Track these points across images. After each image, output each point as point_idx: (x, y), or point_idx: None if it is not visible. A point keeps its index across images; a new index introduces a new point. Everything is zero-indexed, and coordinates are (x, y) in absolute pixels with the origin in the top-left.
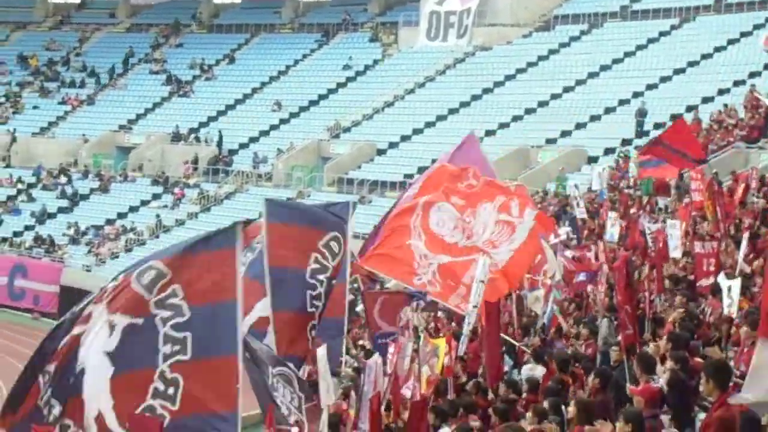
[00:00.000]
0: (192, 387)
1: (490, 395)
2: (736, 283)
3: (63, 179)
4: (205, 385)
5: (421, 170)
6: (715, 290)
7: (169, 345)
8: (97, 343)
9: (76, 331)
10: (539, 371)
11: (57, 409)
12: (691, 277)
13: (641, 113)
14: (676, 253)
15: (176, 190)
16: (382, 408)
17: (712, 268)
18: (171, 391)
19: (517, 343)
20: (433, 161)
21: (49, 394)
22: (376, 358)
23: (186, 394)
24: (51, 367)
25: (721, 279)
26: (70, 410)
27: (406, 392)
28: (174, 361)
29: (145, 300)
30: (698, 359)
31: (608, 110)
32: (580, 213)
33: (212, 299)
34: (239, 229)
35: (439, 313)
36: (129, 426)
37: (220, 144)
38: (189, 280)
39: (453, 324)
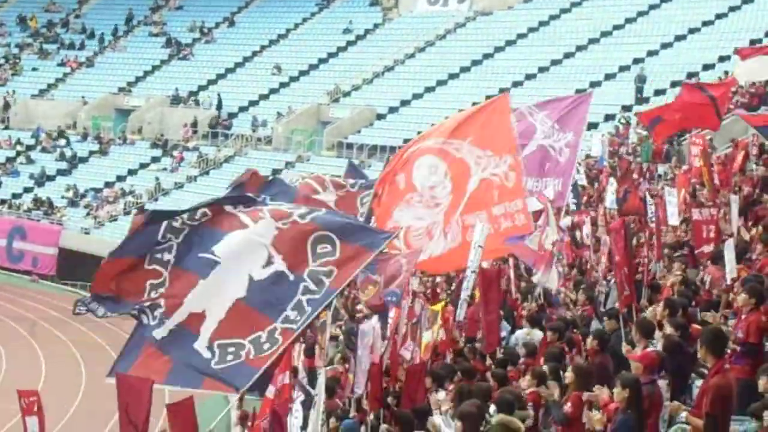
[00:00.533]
0: (276, 350)
1: (488, 361)
2: (730, 248)
3: (62, 141)
4: (277, 349)
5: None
6: (716, 258)
7: (295, 312)
8: (249, 259)
9: (242, 218)
10: (537, 335)
11: (167, 272)
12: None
13: (641, 79)
14: (673, 220)
15: (176, 153)
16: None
17: (712, 235)
18: (266, 346)
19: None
20: (432, 126)
21: (174, 242)
22: (373, 322)
23: (269, 354)
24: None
25: (727, 246)
26: (175, 281)
27: (405, 353)
28: (287, 327)
29: (307, 262)
30: (696, 326)
31: (608, 76)
32: (580, 179)
33: (335, 286)
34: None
35: (438, 278)
36: (117, 389)
37: (219, 108)
38: (344, 268)
39: (453, 288)
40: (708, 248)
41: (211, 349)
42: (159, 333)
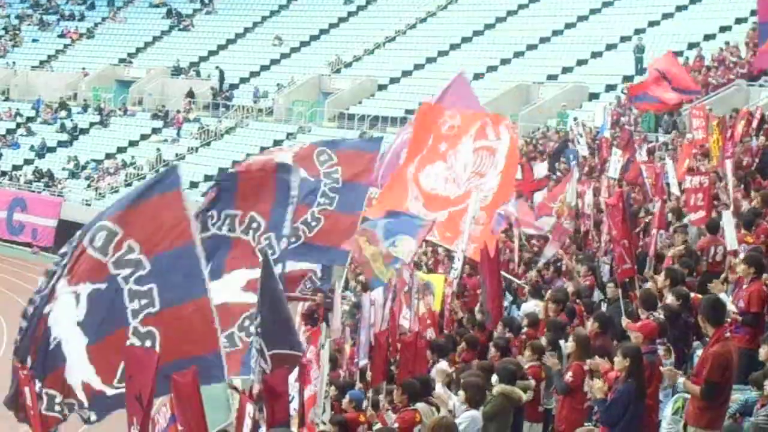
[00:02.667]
0: (169, 336)
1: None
2: (728, 217)
3: (62, 113)
4: (181, 331)
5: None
6: (710, 227)
7: (136, 301)
8: (66, 315)
9: (45, 310)
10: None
11: (38, 386)
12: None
13: (639, 50)
14: (675, 189)
15: (178, 117)
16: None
17: (700, 203)
18: (148, 344)
19: (516, 280)
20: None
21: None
22: (374, 293)
23: (165, 344)
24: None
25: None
26: (50, 382)
27: (404, 322)
28: (144, 315)
29: (103, 263)
30: (698, 295)
31: (609, 47)
32: (582, 150)
33: (169, 246)
34: (179, 171)
35: (439, 249)
36: (124, 360)
37: (221, 81)
38: (142, 232)
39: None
40: (695, 216)
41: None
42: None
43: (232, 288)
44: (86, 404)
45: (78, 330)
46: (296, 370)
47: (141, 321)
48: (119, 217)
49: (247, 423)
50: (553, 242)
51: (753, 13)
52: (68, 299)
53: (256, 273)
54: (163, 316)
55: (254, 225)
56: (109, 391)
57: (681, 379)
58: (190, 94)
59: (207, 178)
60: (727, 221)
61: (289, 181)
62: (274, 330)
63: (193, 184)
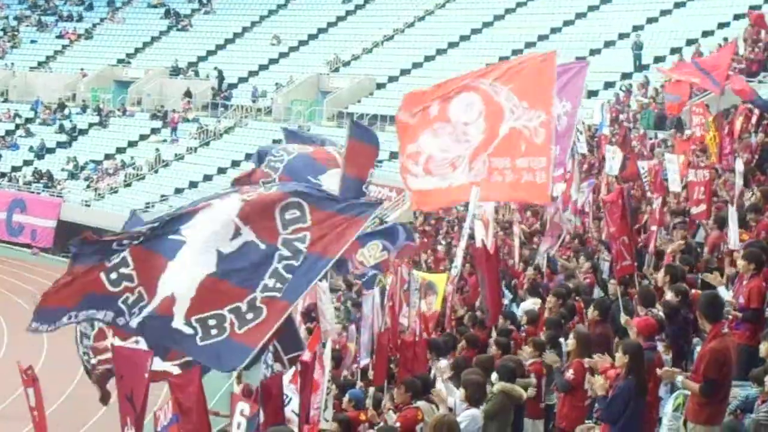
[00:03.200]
0: (266, 321)
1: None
2: (733, 215)
3: (61, 114)
4: (266, 323)
5: None
6: (720, 222)
7: (273, 280)
8: (215, 234)
9: (210, 201)
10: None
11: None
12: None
13: (637, 47)
14: (675, 186)
15: (173, 116)
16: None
17: (701, 197)
18: (250, 316)
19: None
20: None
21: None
22: (375, 292)
23: (257, 326)
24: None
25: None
26: (140, 264)
27: (403, 320)
28: (267, 295)
29: (278, 232)
30: (698, 291)
31: (607, 44)
32: (581, 147)
33: (321, 252)
34: (378, 206)
35: (438, 248)
36: (114, 361)
37: (220, 82)
38: (320, 234)
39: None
40: (696, 210)
41: (190, 324)
42: (134, 322)
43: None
44: (149, 307)
45: (213, 256)
46: (290, 372)
47: (263, 297)
48: (319, 214)
49: (240, 421)
50: (546, 237)
51: (753, 8)
52: (228, 226)
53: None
54: (275, 305)
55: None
56: (175, 322)
57: (680, 378)
58: (188, 94)
59: (206, 177)
60: (732, 217)
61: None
62: (288, 334)
63: (192, 184)
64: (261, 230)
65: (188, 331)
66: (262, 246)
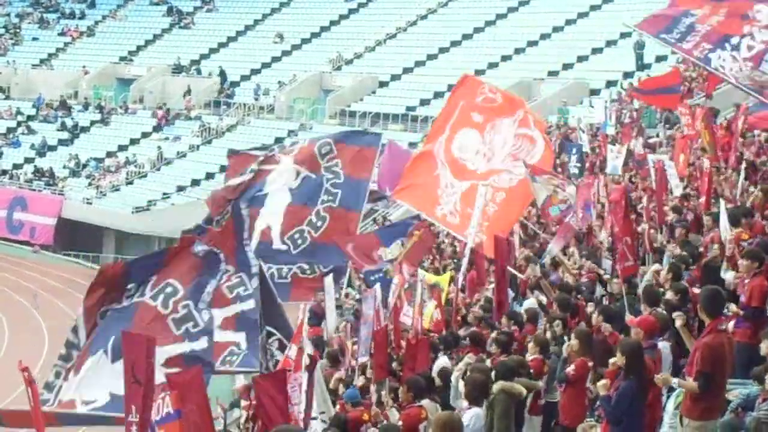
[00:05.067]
0: (332, 225)
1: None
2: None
3: (64, 111)
4: (338, 226)
5: (423, 102)
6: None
7: (326, 195)
8: (284, 179)
9: (265, 167)
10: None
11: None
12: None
13: (639, 46)
14: (677, 191)
15: (159, 113)
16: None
17: (705, 187)
18: (319, 223)
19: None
20: (436, 94)
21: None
22: (376, 290)
23: (326, 228)
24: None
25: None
26: (250, 216)
27: (406, 320)
28: (326, 206)
29: (319, 163)
30: (696, 290)
31: (609, 43)
32: (583, 146)
33: (357, 176)
34: (380, 138)
35: (442, 246)
36: (124, 346)
37: (223, 81)
38: (346, 160)
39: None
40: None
41: (284, 242)
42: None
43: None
44: (252, 244)
45: (287, 193)
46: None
47: (323, 207)
48: (340, 146)
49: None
50: (558, 239)
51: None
52: (290, 171)
53: (226, 312)
54: (335, 211)
55: (168, 290)
56: (275, 244)
57: (675, 381)
58: (189, 92)
59: (208, 175)
60: (722, 211)
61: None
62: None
63: (195, 182)
64: (310, 166)
65: (284, 247)
66: (313, 176)
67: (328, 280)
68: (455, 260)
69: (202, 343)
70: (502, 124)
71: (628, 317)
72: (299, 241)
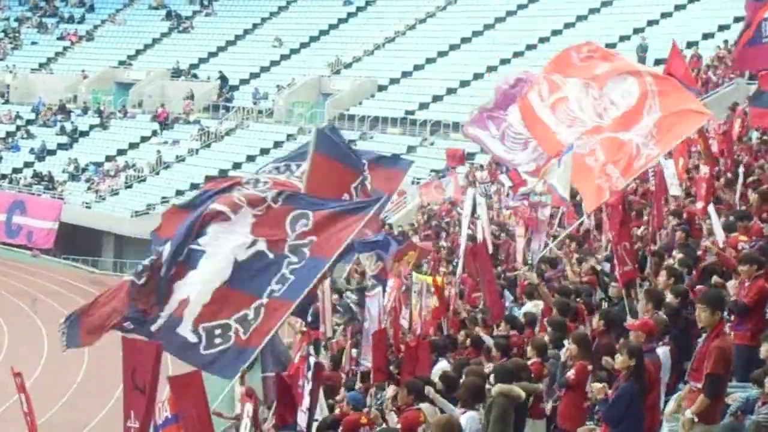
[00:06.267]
0: (267, 320)
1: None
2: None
3: (63, 115)
4: (267, 322)
5: (422, 106)
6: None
7: (279, 284)
8: (233, 242)
9: (217, 207)
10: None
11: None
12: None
13: (642, 49)
14: (674, 190)
15: (160, 110)
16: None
17: (702, 192)
18: (251, 320)
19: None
20: (435, 98)
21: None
22: (378, 293)
23: (260, 325)
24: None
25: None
26: (175, 274)
27: (403, 322)
28: (270, 298)
29: (286, 240)
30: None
31: (609, 46)
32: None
33: (319, 254)
34: (381, 203)
35: (442, 244)
36: (123, 352)
37: (224, 85)
38: (323, 236)
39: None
40: (699, 204)
41: (197, 332)
42: (154, 326)
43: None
44: (162, 316)
45: (230, 266)
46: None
47: (267, 300)
48: (321, 218)
49: (246, 423)
50: (535, 236)
51: None
52: (245, 235)
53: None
54: (274, 303)
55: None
56: (182, 328)
57: (688, 413)
58: (192, 96)
59: (208, 179)
60: (713, 213)
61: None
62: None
63: (194, 186)
64: (272, 241)
65: (193, 339)
66: (271, 255)
67: (325, 283)
68: (454, 263)
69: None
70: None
71: (629, 322)
72: (217, 341)
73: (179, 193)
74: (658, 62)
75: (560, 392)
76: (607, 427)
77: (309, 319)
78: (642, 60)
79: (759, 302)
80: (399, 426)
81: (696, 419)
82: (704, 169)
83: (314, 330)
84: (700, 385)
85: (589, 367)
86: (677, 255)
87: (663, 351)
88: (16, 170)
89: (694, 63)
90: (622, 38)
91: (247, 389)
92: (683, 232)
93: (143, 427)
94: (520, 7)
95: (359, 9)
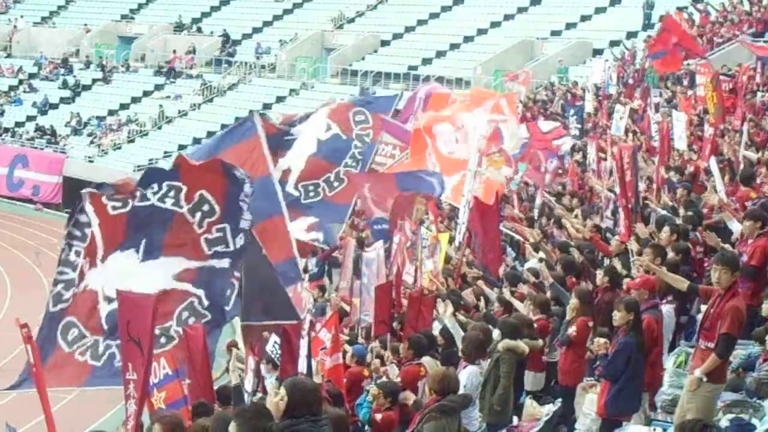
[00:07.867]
0: (348, 188)
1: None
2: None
3: (65, 69)
4: (352, 191)
5: (425, 62)
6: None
7: (351, 159)
8: (313, 128)
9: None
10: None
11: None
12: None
13: (649, 5)
14: (680, 144)
15: (172, 57)
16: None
17: (706, 153)
18: (336, 184)
19: (516, 236)
20: (438, 53)
21: None
22: (377, 248)
23: (341, 191)
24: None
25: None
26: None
27: (408, 278)
28: (348, 169)
29: (351, 127)
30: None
31: (613, 2)
32: (588, 107)
33: (374, 140)
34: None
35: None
36: (119, 306)
37: (225, 42)
38: (378, 130)
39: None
40: (702, 164)
41: (297, 188)
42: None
43: (165, 273)
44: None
45: (315, 141)
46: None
47: (344, 171)
48: (373, 114)
49: (249, 377)
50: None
51: None
52: (323, 121)
53: (192, 264)
54: (353, 176)
55: (205, 207)
56: (289, 187)
57: (697, 372)
58: (193, 51)
59: (210, 134)
60: (714, 167)
61: (241, 183)
62: (249, 302)
63: (196, 140)
64: (344, 127)
65: (295, 193)
66: (344, 137)
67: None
68: (455, 220)
69: (223, 263)
70: (472, 113)
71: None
72: (311, 194)
73: (181, 147)
74: (663, 18)
75: (561, 349)
76: (607, 381)
77: (315, 269)
78: (647, 17)
79: (764, 262)
80: (399, 379)
81: (705, 378)
82: (709, 130)
83: (318, 280)
84: (711, 345)
85: (590, 324)
86: (682, 212)
87: (667, 309)
88: (18, 124)
89: (703, 20)
90: None
91: (230, 342)
92: (684, 189)
93: (142, 381)
94: None
95: None
